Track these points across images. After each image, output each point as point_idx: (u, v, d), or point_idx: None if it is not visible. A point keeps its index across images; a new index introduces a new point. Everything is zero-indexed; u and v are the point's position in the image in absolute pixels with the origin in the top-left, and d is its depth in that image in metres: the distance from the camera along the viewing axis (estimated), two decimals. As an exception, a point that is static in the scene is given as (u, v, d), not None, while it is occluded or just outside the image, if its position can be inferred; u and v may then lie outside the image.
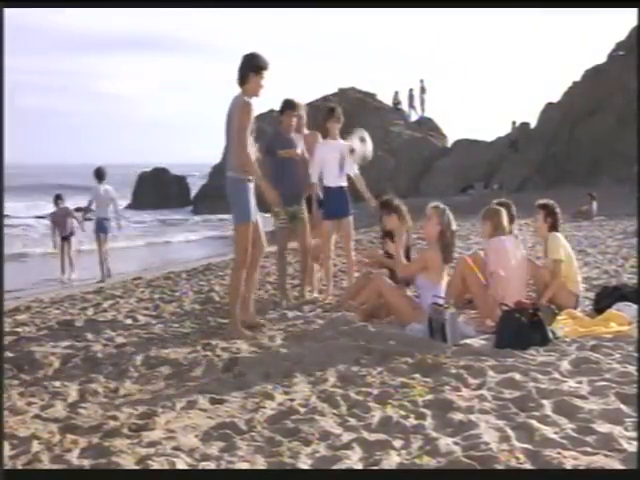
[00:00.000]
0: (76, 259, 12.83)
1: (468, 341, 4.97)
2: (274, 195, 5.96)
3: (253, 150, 5.59)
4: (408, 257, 6.30)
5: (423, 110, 35.83)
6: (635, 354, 4.33)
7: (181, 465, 3.00)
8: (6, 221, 26.66)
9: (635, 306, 5.42)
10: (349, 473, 2.87)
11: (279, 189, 6.85)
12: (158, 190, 38.23)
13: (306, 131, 7.26)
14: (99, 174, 11.84)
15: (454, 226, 5.67)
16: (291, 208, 6.94)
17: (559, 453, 2.85)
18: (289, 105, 7.03)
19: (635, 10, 6.29)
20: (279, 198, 6.81)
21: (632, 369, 3.99)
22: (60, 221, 13.07)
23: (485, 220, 5.80)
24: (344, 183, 7.00)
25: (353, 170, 7.08)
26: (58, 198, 13.48)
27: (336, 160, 6.97)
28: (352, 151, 5.66)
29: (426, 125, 35.26)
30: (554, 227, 6.16)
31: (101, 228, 11.71)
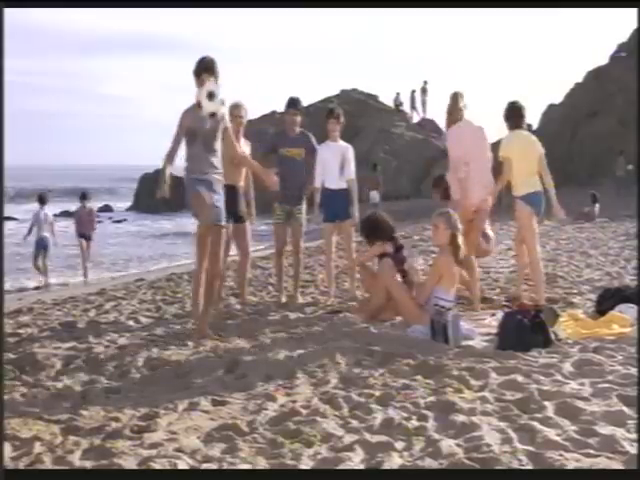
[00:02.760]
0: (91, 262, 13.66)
1: (470, 343, 4.97)
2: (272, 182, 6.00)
3: (200, 153, 5.48)
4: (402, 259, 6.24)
5: (425, 112, 35.89)
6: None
7: (183, 467, 2.99)
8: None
9: (637, 307, 5.41)
10: (351, 474, 2.87)
11: (280, 188, 6.90)
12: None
13: (298, 130, 7.04)
14: (41, 199, 13.12)
15: (461, 228, 5.70)
16: (288, 206, 6.96)
17: (561, 455, 2.85)
18: (290, 104, 7.01)
19: (635, 11, 6.27)
20: (278, 196, 6.87)
21: (634, 371, 3.99)
22: (84, 220, 13.51)
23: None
24: (345, 185, 7.00)
25: (349, 175, 7.06)
26: (84, 197, 13.81)
27: (337, 162, 6.97)
28: (199, 106, 5.33)
29: (428, 126, 35.29)
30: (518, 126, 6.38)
31: (41, 246, 12.76)
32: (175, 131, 5.48)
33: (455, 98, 6.39)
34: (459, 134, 6.28)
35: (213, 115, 5.47)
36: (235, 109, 6.79)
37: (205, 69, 5.52)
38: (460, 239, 5.61)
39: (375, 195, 21.17)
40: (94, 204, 14.59)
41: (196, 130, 5.46)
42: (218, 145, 5.60)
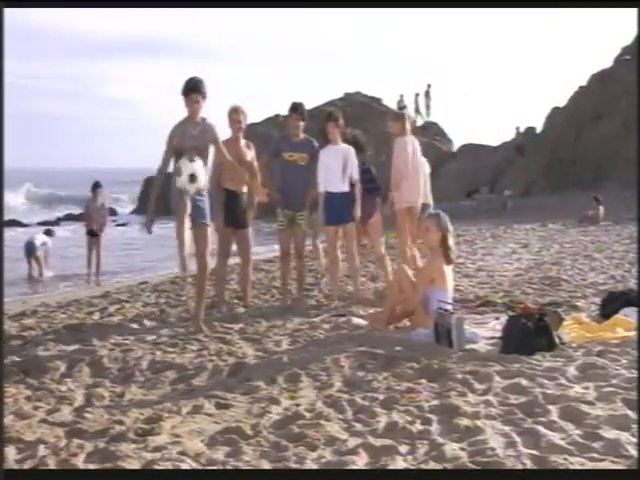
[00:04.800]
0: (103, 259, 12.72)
1: (474, 346, 4.96)
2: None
3: (182, 165, 5.67)
4: None
5: (428, 115, 35.84)
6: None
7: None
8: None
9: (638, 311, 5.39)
10: (354, 474, 2.87)
11: (282, 192, 6.91)
12: (164, 195, 38.06)
13: (301, 136, 7.05)
14: (47, 232, 13.81)
15: (451, 228, 5.74)
16: (290, 212, 6.95)
17: (566, 459, 2.85)
18: (293, 108, 7.00)
19: (635, 11, 6.29)
20: (281, 201, 6.89)
21: (639, 375, 3.97)
22: (93, 214, 12.55)
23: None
24: (347, 188, 6.99)
25: (354, 176, 7.07)
26: (96, 187, 12.77)
27: (339, 165, 6.95)
28: (184, 191, 5.67)
29: (431, 130, 35.26)
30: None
31: (28, 251, 12.92)
32: (165, 147, 5.76)
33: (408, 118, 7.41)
34: (413, 145, 7.16)
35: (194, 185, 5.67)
36: (234, 113, 6.80)
37: (192, 89, 5.69)
38: (451, 240, 5.66)
39: None
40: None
41: (182, 147, 5.69)
42: (203, 159, 5.75)
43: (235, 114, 6.79)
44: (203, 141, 5.75)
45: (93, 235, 12.47)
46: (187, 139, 5.70)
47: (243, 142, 6.88)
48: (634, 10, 6.26)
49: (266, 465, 3.03)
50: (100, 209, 12.63)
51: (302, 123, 6.97)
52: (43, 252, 13.13)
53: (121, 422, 3.67)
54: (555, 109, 31.55)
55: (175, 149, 5.69)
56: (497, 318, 5.85)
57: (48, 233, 13.89)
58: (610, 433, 3.12)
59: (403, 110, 36.73)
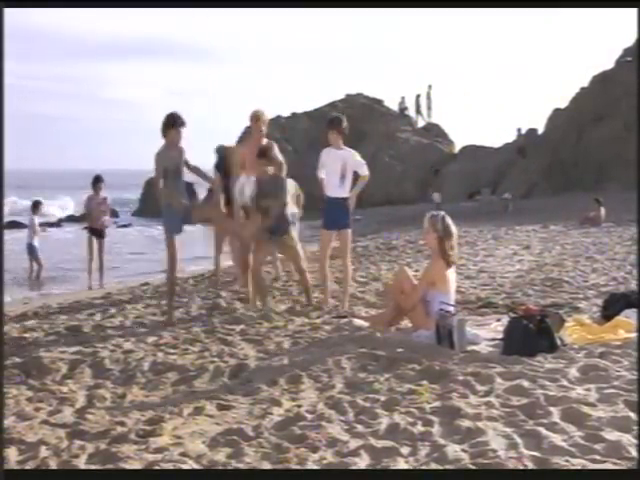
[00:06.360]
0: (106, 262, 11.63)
1: (476, 348, 4.96)
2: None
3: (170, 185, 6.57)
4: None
5: (430, 116, 35.88)
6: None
7: (188, 471, 3.00)
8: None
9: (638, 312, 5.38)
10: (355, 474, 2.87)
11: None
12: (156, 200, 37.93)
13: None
14: (34, 206, 13.73)
15: (453, 229, 5.69)
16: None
17: (567, 461, 2.84)
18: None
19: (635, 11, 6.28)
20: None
21: (641, 376, 3.97)
22: (93, 211, 11.52)
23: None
24: (345, 194, 6.96)
25: (363, 171, 7.10)
26: (98, 181, 11.63)
27: (337, 170, 6.93)
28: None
29: (433, 131, 35.29)
30: None
31: (28, 252, 13.06)
32: (155, 169, 6.61)
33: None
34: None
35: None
36: (257, 120, 7.22)
37: (183, 124, 6.54)
38: (450, 243, 5.62)
39: (437, 196, 22.45)
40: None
41: (167, 168, 6.56)
42: (182, 176, 6.75)
43: (258, 121, 7.26)
44: (181, 162, 6.66)
45: (97, 235, 11.46)
46: (171, 162, 6.57)
47: (265, 141, 7.23)
48: (634, 10, 6.25)
49: (267, 466, 3.03)
50: (102, 204, 11.66)
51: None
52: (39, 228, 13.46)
53: (122, 423, 3.67)
54: (556, 110, 31.54)
55: (164, 170, 6.54)
56: (498, 319, 5.85)
57: (35, 209, 13.46)
58: (612, 435, 3.11)
59: (405, 111, 36.79)
